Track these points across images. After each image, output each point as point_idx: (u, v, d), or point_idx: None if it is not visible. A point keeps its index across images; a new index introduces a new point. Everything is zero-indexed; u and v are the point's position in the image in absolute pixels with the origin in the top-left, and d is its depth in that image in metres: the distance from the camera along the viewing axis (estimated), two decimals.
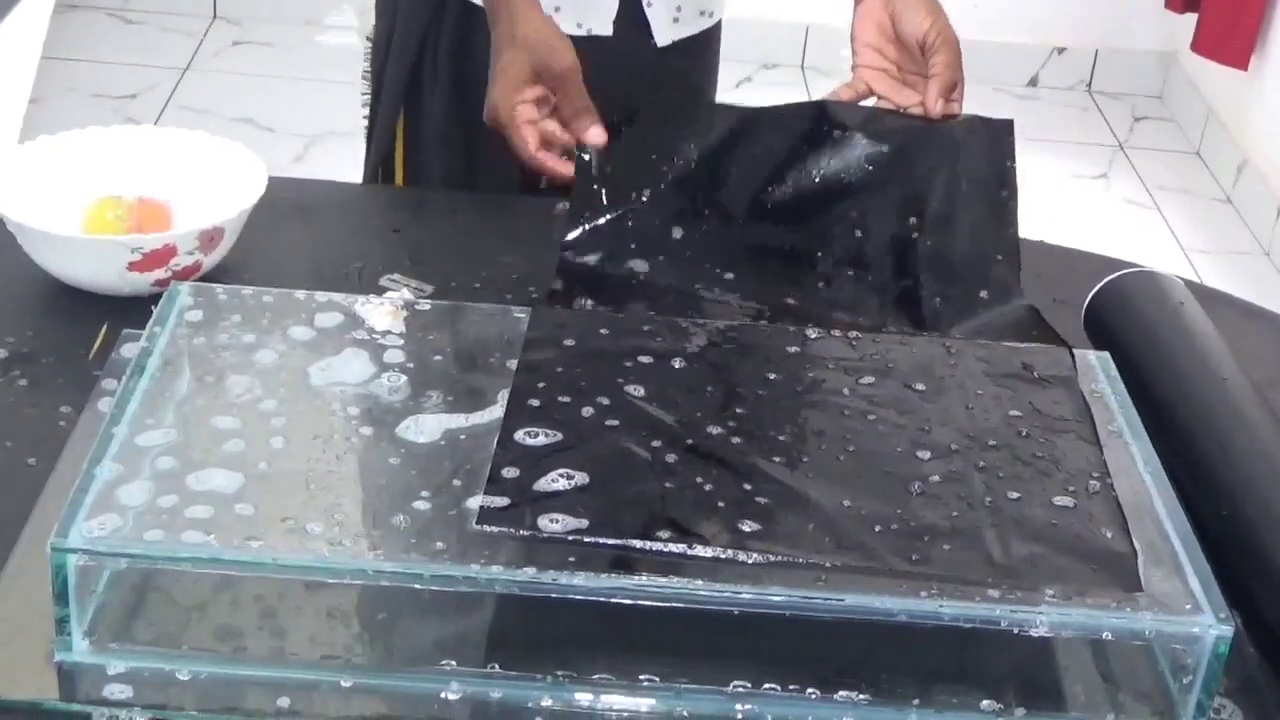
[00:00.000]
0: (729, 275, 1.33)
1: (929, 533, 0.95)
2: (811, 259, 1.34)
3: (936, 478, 1.00)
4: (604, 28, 1.53)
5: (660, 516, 0.94)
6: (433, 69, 1.57)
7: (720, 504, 0.96)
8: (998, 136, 1.39)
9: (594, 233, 1.32)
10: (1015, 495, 0.99)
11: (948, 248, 1.35)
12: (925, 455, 1.02)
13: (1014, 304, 1.32)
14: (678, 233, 1.33)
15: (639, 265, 1.32)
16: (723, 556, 0.92)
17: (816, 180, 1.36)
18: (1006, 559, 0.94)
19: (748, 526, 0.94)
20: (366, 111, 1.64)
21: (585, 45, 1.49)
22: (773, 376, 1.10)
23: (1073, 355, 1.15)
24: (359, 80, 1.64)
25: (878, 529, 0.95)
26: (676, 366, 1.09)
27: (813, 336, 1.15)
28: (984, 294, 1.33)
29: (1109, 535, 0.96)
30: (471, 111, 1.55)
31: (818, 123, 1.36)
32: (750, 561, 0.92)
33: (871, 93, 1.42)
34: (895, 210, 1.35)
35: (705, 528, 0.94)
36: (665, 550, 0.92)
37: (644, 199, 1.33)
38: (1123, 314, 1.26)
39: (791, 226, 1.35)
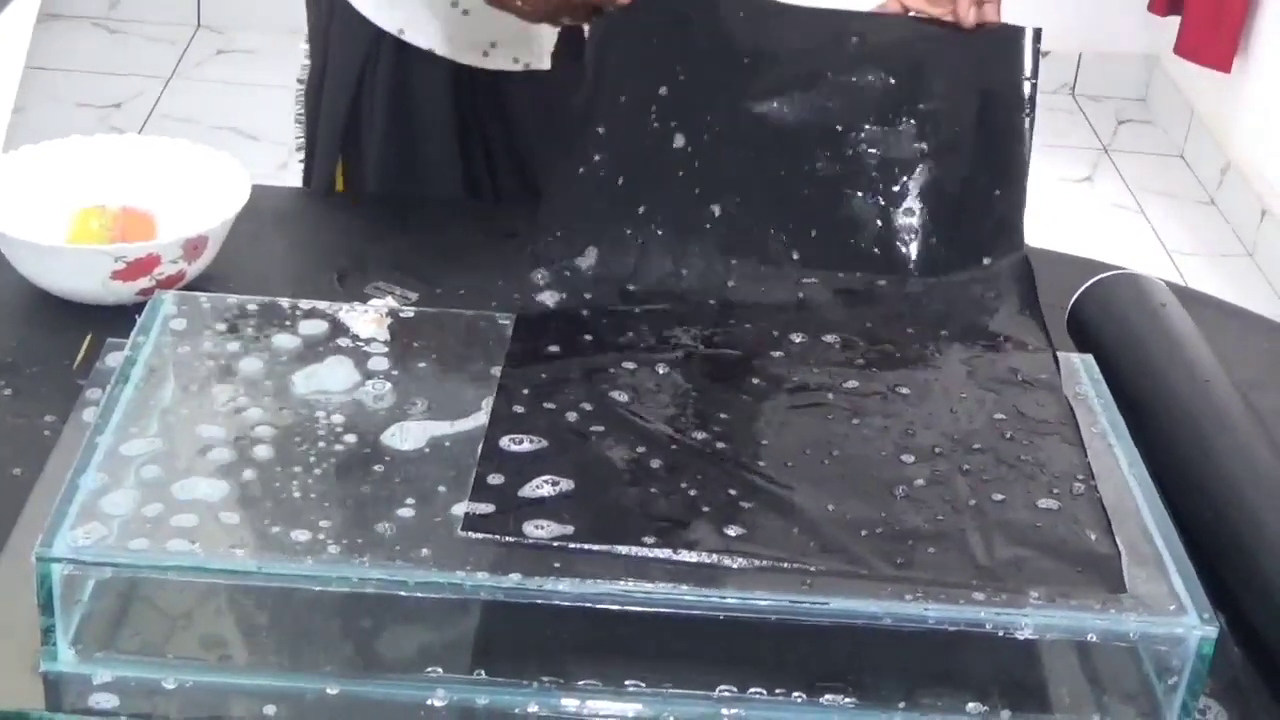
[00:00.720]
0: (718, 206, 1.25)
1: (914, 536, 0.96)
2: (811, 177, 1.26)
3: (921, 481, 1.01)
4: (541, 61, 1.49)
5: (645, 522, 0.94)
6: (370, 111, 1.50)
7: (705, 509, 0.96)
8: (1019, 46, 1.29)
9: (588, 169, 1.23)
10: (999, 498, 1.00)
11: (952, 178, 1.28)
12: (910, 459, 1.03)
13: (1011, 259, 1.26)
14: (680, 140, 1.25)
15: (632, 186, 1.24)
16: (708, 561, 0.92)
17: (827, 92, 1.27)
18: (991, 562, 0.94)
19: (733, 531, 0.94)
20: (301, 156, 1.57)
21: (524, 81, 1.46)
22: (756, 381, 1.11)
23: (1056, 358, 1.15)
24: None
25: (863, 533, 0.95)
26: (660, 372, 1.10)
27: (797, 341, 1.15)
28: (986, 258, 1.26)
29: (1093, 537, 0.96)
30: (413, 154, 1.51)
31: (838, 29, 1.27)
32: (735, 566, 0.92)
33: (906, 11, 1.31)
34: (903, 131, 1.27)
35: (690, 533, 0.94)
36: (650, 555, 0.92)
37: (662, 91, 1.24)
38: (1106, 316, 1.26)
39: (797, 141, 1.27)
